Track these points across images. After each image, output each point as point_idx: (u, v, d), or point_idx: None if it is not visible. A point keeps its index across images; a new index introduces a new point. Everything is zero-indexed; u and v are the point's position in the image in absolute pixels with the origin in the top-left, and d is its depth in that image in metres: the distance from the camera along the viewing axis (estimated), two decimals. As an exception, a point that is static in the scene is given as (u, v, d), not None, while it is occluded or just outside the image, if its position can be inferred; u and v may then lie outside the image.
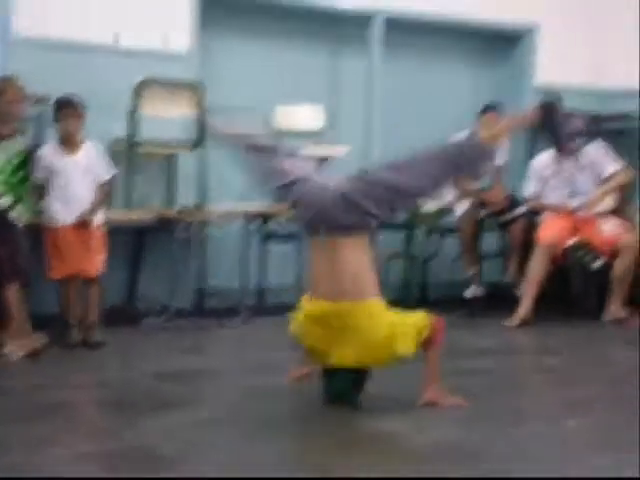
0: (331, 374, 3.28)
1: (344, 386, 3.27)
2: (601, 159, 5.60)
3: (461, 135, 5.76)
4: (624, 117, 6.16)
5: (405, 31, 6.22)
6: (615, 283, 5.39)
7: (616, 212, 5.76)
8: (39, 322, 4.32)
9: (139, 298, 5.24)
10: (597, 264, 5.39)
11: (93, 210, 4.50)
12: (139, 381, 3.69)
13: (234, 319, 5.03)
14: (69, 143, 4.51)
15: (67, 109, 4.47)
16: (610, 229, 5.46)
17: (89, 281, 4.50)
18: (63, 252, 4.45)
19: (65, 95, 4.53)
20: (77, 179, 4.49)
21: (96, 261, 4.50)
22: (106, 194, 4.63)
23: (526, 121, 3.76)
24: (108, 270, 4.58)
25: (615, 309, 5.39)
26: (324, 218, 3.25)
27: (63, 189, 4.47)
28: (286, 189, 3.36)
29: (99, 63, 5.14)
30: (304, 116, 5.91)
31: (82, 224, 4.45)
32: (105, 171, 4.61)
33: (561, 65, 6.48)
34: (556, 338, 4.98)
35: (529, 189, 5.72)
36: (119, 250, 5.02)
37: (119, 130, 5.05)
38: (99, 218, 4.55)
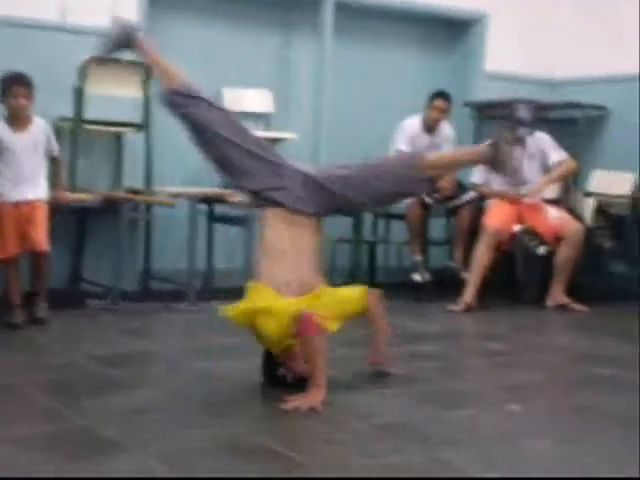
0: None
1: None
2: (547, 148, 5.67)
3: (410, 122, 5.86)
4: (571, 106, 6.24)
5: (356, 16, 6.21)
6: (558, 269, 5.47)
7: (559, 201, 5.86)
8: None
9: (83, 280, 5.17)
10: (542, 250, 5.47)
11: (63, 187, 4.66)
12: (82, 363, 3.64)
13: (181, 302, 4.99)
14: (18, 120, 4.46)
15: (16, 86, 4.40)
16: (555, 216, 5.54)
17: (37, 255, 4.42)
18: (8, 230, 4.37)
19: (13, 72, 4.45)
20: (26, 156, 4.46)
21: (43, 234, 4.41)
22: (63, 167, 4.70)
23: (475, 156, 3.54)
24: (52, 251, 4.50)
25: (557, 295, 5.48)
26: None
27: (11, 167, 4.44)
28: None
29: (44, 41, 5.04)
30: (253, 100, 5.88)
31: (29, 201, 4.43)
32: (55, 146, 4.62)
33: (510, 53, 6.53)
34: (500, 323, 5.04)
35: (476, 175, 5.77)
36: (63, 231, 4.94)
37: (64, 109, 4.96)
38: (44, 193, 4.52)
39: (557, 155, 5.66)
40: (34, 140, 4.50)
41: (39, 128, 4.53)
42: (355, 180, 3.33)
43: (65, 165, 4.80)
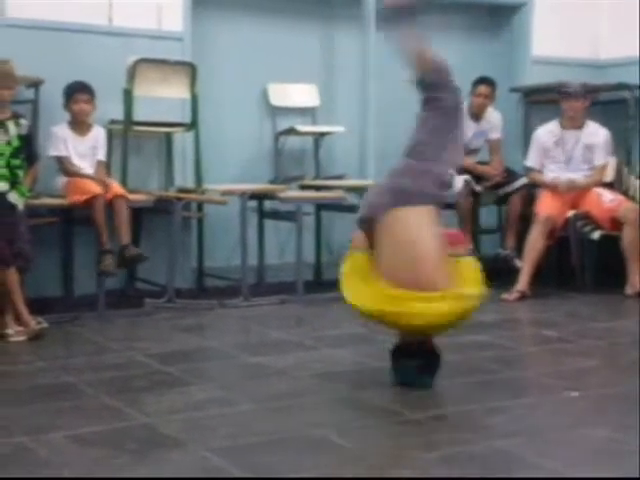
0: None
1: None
2: (598, 146, 5.59)
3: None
4: (620, 87, 6.15)
5: (399, 6, 6.17)
6: (628, 255, 5.30)
7: (612, 184, 5.77)
8: (38, 306, 4.34)
9: (139, 280, 5.24)
10: (597, 235, 5.40)
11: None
12: (141, 361, 3.70)
13: (235, 298, 5.03)
14: (80, 125, 4.79)
15: (78, 93, 4.72)
16: (610, 199, 5.46)
17: (115, 199, 4.61)
18: (84, 181, 4.67)
19: (76, 81, 4.74)
20: (84, 160, 4.79)
21: (116, 185, 4.71)
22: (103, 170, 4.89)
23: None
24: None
25: (636, 282, 5.27)
26: None
27: (72, 167, 4.75)
28: None
29: (91, 44, 5.10)
30: (298, 95, 5.90)
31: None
32: (104, 153, 4.88)
33: (556, 37, 6.45)
34: (555, 310, 4.99)
35: (531, 159, 5.72)
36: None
37: (114, 112, 5.02)
38: None
39: (602, 158, 5.59)
40: (92, 144, 4.83)
41: (97, 134, 4.85)
42: None
43: (105, 167, 4.94)
